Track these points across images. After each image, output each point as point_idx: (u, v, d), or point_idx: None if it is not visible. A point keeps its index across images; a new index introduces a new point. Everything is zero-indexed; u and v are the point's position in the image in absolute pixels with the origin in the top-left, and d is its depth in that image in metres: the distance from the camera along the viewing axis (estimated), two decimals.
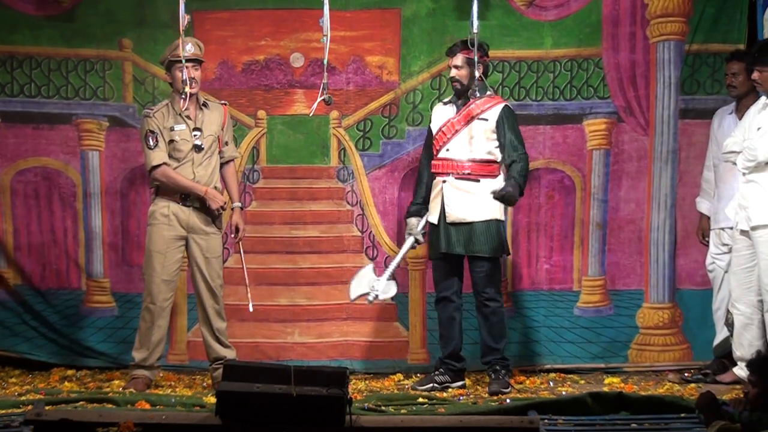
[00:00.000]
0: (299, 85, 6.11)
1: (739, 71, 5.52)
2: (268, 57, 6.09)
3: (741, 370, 5.30)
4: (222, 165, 5.48)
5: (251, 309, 5.47)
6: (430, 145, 5.47)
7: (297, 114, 6.10)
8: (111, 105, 6.12)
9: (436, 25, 6.04)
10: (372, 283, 5.40)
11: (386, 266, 5.59)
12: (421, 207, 5.47)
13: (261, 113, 6.12)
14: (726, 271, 5.60)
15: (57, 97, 6.12)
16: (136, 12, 6.06)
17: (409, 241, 5.46)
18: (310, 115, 5.60)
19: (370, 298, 5.40)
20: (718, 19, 5.98)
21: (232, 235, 5.45)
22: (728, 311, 5.52)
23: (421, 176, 5.51)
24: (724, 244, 5.61)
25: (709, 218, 5.74)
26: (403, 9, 6.07)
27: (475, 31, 5.14)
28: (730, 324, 5.51)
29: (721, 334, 5.65)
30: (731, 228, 5.48)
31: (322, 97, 5.11)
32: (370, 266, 5.55)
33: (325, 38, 5.04)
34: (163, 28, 5.98)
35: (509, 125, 5.29)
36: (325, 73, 5.09)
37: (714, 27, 5.99)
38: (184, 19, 5.10)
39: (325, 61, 5.08)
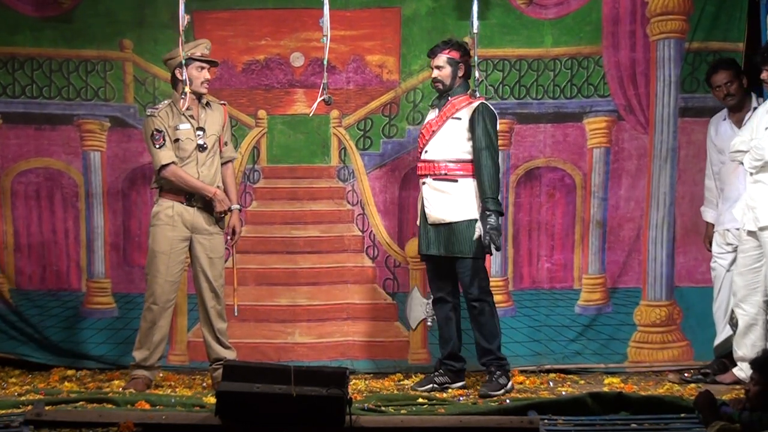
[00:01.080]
0: (299, 84, 6.11)
1: (731, 79, 5.53)
2: (268, 57, 6.09)
3: (741, 371, 5.29)
4: (221, 165, 5.49)
5: (236, 313, 5.45)
6: None
7: (297, 113, 6.10)
8: (112, 105, 6.13)
9: (437, 23, 6.03)
10: (425, 307, 5.41)
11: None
12: None
13: (261, 113, 6.12)
14: (728, 271, 5.60)
15: (58, 97, 6.13)
16: (136, 12, 6.06)
17: None
18: (311, 114, 5.60)
19: (429, 323, 5.44)
20: (718, 17, 5.96)
21: (229, 237, 5.44)
22: (732, 311, 5.51)
23: None
24: (729, 244, 5.60)
25: (714, 226, 5.72)
26: (403, 8, 6.06)
27: (475, 30, 5.14)
28: (734, 324, 5.50)
29: (722, 333, 5.64)
30: (737, 229, 5.48)
31: (323, 97, 5.11)
32: (415, 289, 5.55)
33: (325, 38, 5.04)
34: (164, 29, 5.99)
35: (480, 122, 5.20)
36: (325, 73, 5.10)
37: (714, 25, 5.97)
38: (184, 19, 5.11)
39: (325, 61, 5.09)
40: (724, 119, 5.67)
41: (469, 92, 5.36)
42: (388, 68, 6.10)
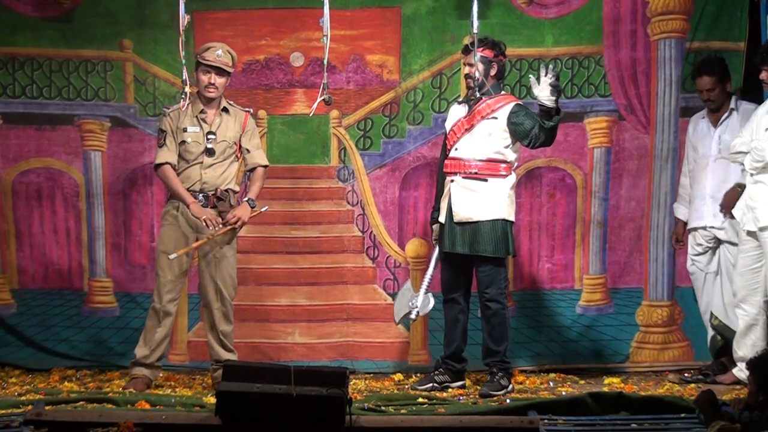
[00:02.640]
0: (299, 84, 6.10)
1: (713, 85, 5.57)
2: (268, 56, 6.09)
3: (741, 372, 5.29)
4: (249, 171, 5.45)
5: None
6: (445, 146, 5.44)
7: (297, 113, 6.10)
8: (112, 105, 6.13)
9: (437, 23, 6.03)
10: (411, 301, 5.37)
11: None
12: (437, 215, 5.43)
13: (261, 113, 6.12)
14: (707, 273, 5.64)
15: (59, 98, 6.13)
16: (136, 13, 6.06)
17: (437, 249, 5.41)
18: (311, 114, 5.58)
19: (413, 317, 5.39)
20: (718, 16, 5.95)
21: (222, 222, 5.26)
22: (711, 314, 5.58)
23: (438, 179, 5.48)
24: (699, 244, 5.66)
25: (685, 223, 5.77)
26: (403, 7, 6.05)
27: (475, 30, 5.11)
28: (713, 326, 5.56)
29: (710, 334, 5.69)
30: (704, 228, 5.57)
31: (323, 97, 5.09)
32: (407, 283, 5.52)
33: (325, 38, 5.02)
34: (164, 29, 6.00)
35: (524, 114, 5.17)
36: (325, 73, 5.07)
37: (715, 25, 5.96)
38: (184, 19, 5.08)
39: (325, 61, 5.06)
40: (703, 117, 5.72)
41: (469, 93, 5.34)
42: (388, 68, 6.09)
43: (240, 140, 5.37)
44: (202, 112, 5.30)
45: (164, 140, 5.27)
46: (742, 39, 5.93)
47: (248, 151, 5.40)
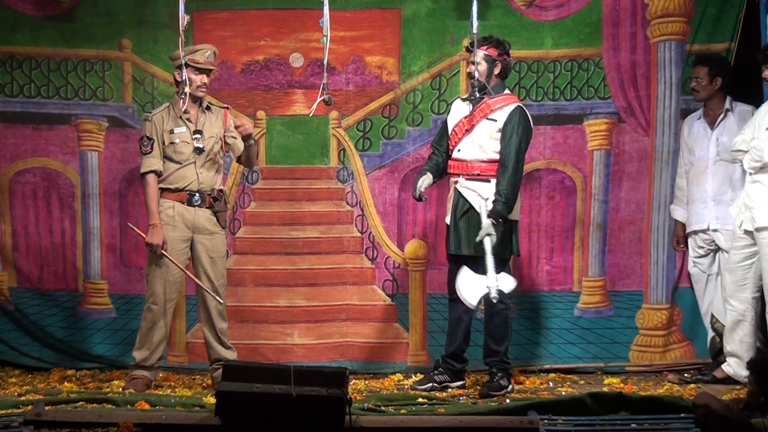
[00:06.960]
0: (299, 85, 6.10)
1: (703, 76, 5.60)
2: (267, 57, 6.09)
3: (729, 367, 5.37)
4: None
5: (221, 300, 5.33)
6: (442, 134, 5.40)
7: (296, 114, 6.10)
8: (110, 105, 6.12)
9: (436, 25, 6.04)
10: (484, 282, 4.98)
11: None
12: (427, 171, 5.31)
13: (260, 113, 6.12)
14: (709, 274, 5.65)
15: (56, 97, 6.11)
16: (135, 12, 6.06)
17: (488, 240, 5.07)
18: (310, 115, 5.59)
19: (494, 294, 4.95)
20: (719, 19, 5.97)
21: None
22: (712, 316, 5.59)
23: (429, 158, 5.42)
24: (700, 247, 5.67)
25: (683, 225, 5.79)
26: (402, 9, 6.06)
27: (474, 31, 5.13)
28: (713, 328, 5.57)
29: (710, 335, 5.71)
30: (704, 231, 5.59)
31: (322, 98, 5.10)
32: (466, 269, 5.07)
33: (324, 38, 5.03)
34: (163, 29, 6.00)
35: (513, 129, 5.16)
36: (325, 74, 5.08)
37: (715, 27, 5.97)
38: (183, 19, 5.09)
39: (325, 62, 5.07)
40: (699, 119, 5.73)
41: (468, 93, 5.34)
42: (387, 69, 6.09)
43: (225, 137, 5.39)
44: (186, 111, 5.29)
45: (151, 147, 5.25)
46: (734, 39, 5.91)
47: (235, 139, 5.43)
